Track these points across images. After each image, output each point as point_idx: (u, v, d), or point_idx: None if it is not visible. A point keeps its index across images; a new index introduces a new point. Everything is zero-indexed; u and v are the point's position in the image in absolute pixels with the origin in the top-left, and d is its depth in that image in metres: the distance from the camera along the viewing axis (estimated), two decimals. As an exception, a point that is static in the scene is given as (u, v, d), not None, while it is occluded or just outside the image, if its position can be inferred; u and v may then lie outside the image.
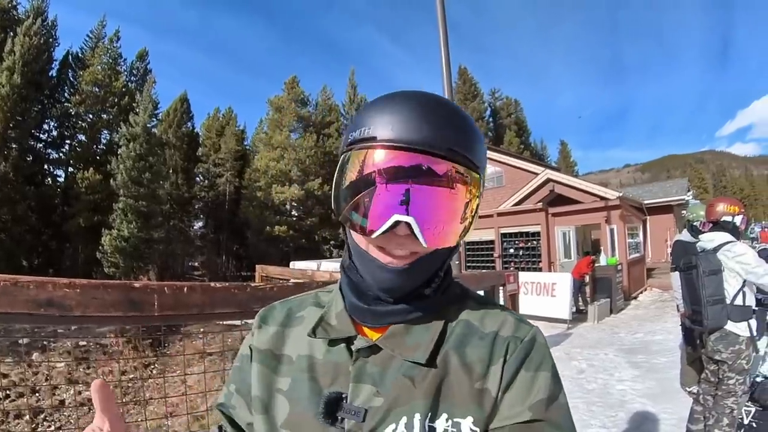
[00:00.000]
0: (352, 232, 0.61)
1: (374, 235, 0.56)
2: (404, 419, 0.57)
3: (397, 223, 0.54)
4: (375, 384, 0.60)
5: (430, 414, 0.57)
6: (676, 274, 3.68)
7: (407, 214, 0.54)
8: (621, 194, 14.10)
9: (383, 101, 0.59)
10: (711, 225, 3.42)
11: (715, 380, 3.30)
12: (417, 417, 0.57)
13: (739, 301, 3.10)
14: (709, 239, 3.29)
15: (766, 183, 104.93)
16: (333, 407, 0.59)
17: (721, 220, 3.33)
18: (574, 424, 0.60)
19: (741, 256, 3.08)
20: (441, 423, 0.57)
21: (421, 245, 0.56)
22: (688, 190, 23.09)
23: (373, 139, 0.55)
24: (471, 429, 0.57)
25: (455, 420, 0.57)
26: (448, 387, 0.59)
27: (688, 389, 3.68)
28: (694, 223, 4.03)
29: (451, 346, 0.62)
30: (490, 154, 19.87)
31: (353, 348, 0.63)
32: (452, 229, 0.57)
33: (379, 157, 0.54)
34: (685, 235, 4.05)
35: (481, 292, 3.58)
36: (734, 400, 3.13)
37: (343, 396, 0.60)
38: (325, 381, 0.63)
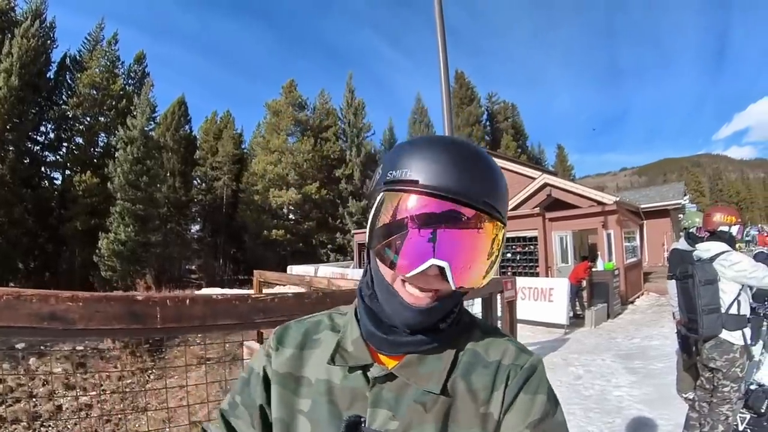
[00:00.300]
0: (379, 263, 0.64)
1: (408, 275, 0.59)
2: None
3: (431, 266, 0.57)
4: (391, 409, 0.64)
5: None
6: (673, 282, 3.71)
7: (442, 259, 0.57)
8: (618, 199, 14.13)
9: (424, 146, 0.62)
10: (708, 234, 3.46)
11: (711, 387, 3.33)
12: None
13: (734, 310, 3.14)
14: (705, 249, 3.34)
15: (762, 186, 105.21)
16: (353, 430, 0.63)
17: (718, 230, 3.36)
18: None
19: (737, 264, 3.12)
20: None
21: (447, 285, 0.60)
22: (685, 194, 23.19)
23: (414, 182, 0.58)
24: None
25: None
26: (456, 411, 0.64)
27: (684, 395, 3.70)
28: (690, 230, 4.08)
29: (458, 373, 0.67)
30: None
31: (370, 375, 0.67)
32: (479, 272, 0.62)
33: (418, 203, 0.57)
34: (682, 244, 4.08)
35: (479, 300, 3.61)
36: (729, 407, 3.17)
37: (362, 419, 0.63)
38: (344, 405, 0.66)
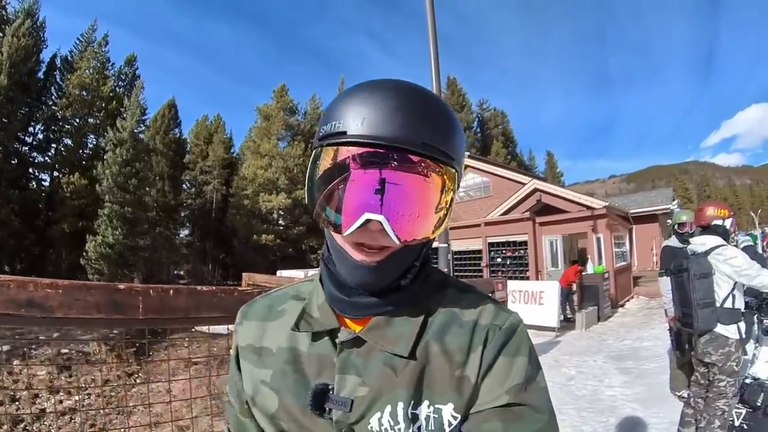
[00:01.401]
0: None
1: (345, 233, 0.55)
2: (389, 407, 0.59)
3: (368, 220, 0.53)
4: (359, 374, 0.61)
5: (412, 402, 0.59)
6: (665, 278, 3.71)
7: (378, 212, 0.53)
8: (607, 204, 14.26)
9: (354, 92, 0.57)
10: (701, 229, 3.47)
11: (705, 383, 3.33)
12: (400, 405, 0.58)
13: (728, 304, 3.15)
14: (700, 243, 3.33)
15: (749, 192, 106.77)
16: (320, 398, 0.60)
17: (712, 224, 3.37)
18: (552, 406, 0.62)
19: (732, 259, 3.12)
20: (423, 410, 0.59)
21: (391, 240, 0.55)
22: (673, 200, 23.41)
23: (342, 134, 0.54)
24: (452, 415, 0.59)
25: (436, 407, 0.59)
26: (430, 375, 0.60)
27: (678, 393, 3.71)
28: (675, 227, 4.08)
29: (431, 335, 0.63)
30: (477, 164, 20.19)
31: (337, 341, 0.64)
32: (425, 222, 0.56)
33: (346, 156, 0.53)
34: (673, 241, 4.09)
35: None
36: (725, 401, 3.17)
37: (330, 387, 0.61)
38: (311, 373, 0.64)
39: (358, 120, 0.53)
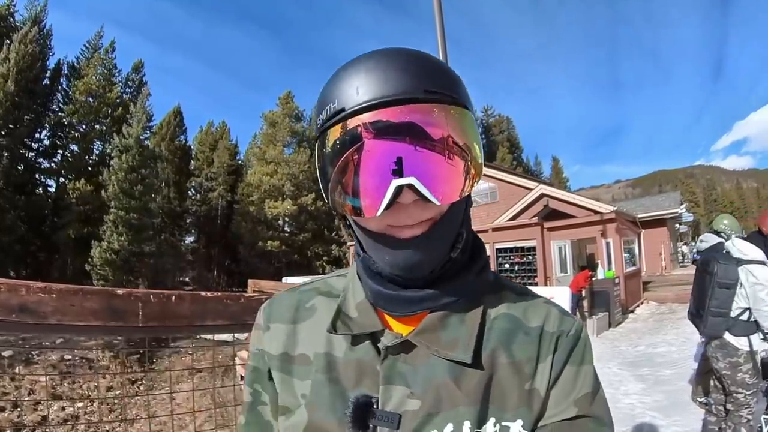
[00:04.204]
0: (356, 221, 0.55)
1: (379, 213, 0.48)
2: (449, 426, 0.52)
3: (399, 190, 0.46)
4: (408, 385, 0.54)
5: (478, 420, 0.53)
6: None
7: (406, 176, 0.46)
8: (616, 208, 14.12)
9: (341, 70, 0.52)
10: (752, 233, 3.37)
11: (722, 388, 3.28)
12: (466, 424, 0.52)
13: (744, 317, 3.06)
14: (742, 250, 3.14)
15: (756, 196, 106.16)
16: (363, 413, 0.53)
17: None
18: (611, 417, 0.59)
19: (758, 286, 2.98)
20: (489, 428, 0.53)
21: (432, 206, 0.49)
22: (681, 204, 23.25)
23: (342, 111, 0.48)
24: None
25: (503, 424, 0.53)
26: (497, 388, 0.55)
27: (699, 400, 3.63)
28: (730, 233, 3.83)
29: (496, 342, 0.57)
30: (484, 170, 20.36)
31: (381, 345, 0.56)
32: (457, 175, 0.49)
33: (351, 131, 0.47)
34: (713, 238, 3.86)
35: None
36: (748, 411, 3.12)
37: (374, 399, 0.54)
38: (349, 382, 0.57)
39: (352, 92, 0.48)
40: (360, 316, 0.58)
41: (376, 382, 0.55)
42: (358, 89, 0.47)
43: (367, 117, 0.46)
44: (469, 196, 0.54)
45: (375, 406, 0.54)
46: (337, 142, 0.48)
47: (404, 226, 0.50)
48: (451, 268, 0.57)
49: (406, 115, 0.46)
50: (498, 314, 0.59)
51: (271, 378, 0.64)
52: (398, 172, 0.46)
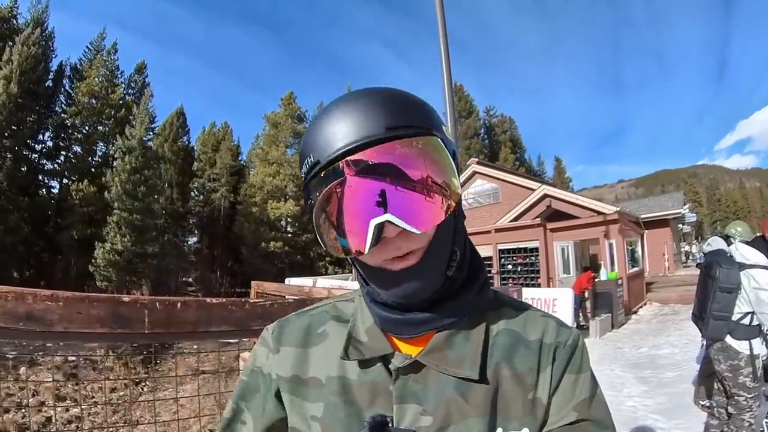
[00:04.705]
0: (353, 259, 0.59)
1: (366, 250, 0.51)
2: None
3: (380, 227, 0.50)
4: (420, 403, 0.57)
5: (488, 430, 0.56)
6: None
7: (380, 214, 0.50)
8: (619, 209, 14.07)
9: (316, 118, 0.55)
10: (756, 238, 3.35)
11: (724, 391, 3.28)
12: None
13: (746, 321, 3.06)
14: (745, 254, 3.14)
15: (759, 195, 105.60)
16: (379, 431, 0.55)
17: None
18: (612, 419, 0.62)
19: (761, 290, 2.97)
20: None
21: (415, 236, 0.52)
22: (685, 204, 23.14)
23: (317, 164, 0.52)
24: None
25: None
26: (503, 400, 0.58)
27: (702, 403, 3.62)
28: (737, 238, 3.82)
29: (499, 357, 0.61)
30: (486, 170, 20.10)
31: (392, 367, 0.60)
32: (433, 202, 0.51)
33: (327, 181, 0.51)
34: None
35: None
36: (750, 414, 3.12)
37: (388, 419, 0.56)
38: (363, 403, 0.59)
39: (323, 143, 0.52)
40: (370, 341, 0.62)
41: (390, 402, 0.58)
42: (328, 139, 0.51)
43: (339, 165, 0.50)
44: (457, 211, 0.58)
45: (390, 424, 0.56)
46: (317, 193, 0.52)
47: (395, 259, 0.54)
48: (450, 287, 0.60)
49: (373, 157, 0.49)
50: (499, 330, 0.63)
51: (267, 398, 0.66)
52: (375, 211, 0.49)
